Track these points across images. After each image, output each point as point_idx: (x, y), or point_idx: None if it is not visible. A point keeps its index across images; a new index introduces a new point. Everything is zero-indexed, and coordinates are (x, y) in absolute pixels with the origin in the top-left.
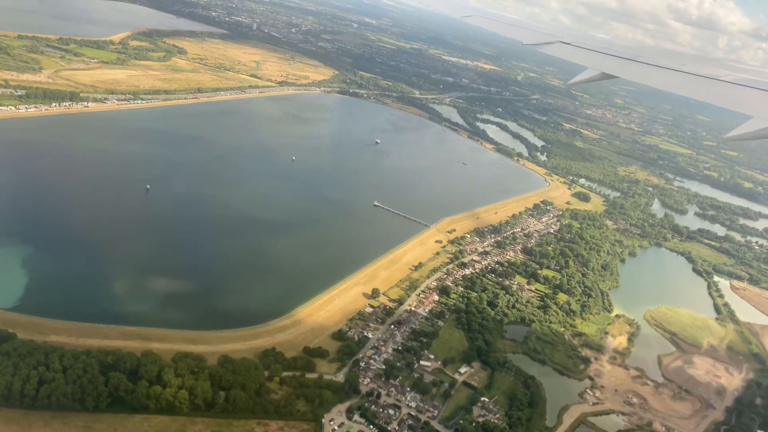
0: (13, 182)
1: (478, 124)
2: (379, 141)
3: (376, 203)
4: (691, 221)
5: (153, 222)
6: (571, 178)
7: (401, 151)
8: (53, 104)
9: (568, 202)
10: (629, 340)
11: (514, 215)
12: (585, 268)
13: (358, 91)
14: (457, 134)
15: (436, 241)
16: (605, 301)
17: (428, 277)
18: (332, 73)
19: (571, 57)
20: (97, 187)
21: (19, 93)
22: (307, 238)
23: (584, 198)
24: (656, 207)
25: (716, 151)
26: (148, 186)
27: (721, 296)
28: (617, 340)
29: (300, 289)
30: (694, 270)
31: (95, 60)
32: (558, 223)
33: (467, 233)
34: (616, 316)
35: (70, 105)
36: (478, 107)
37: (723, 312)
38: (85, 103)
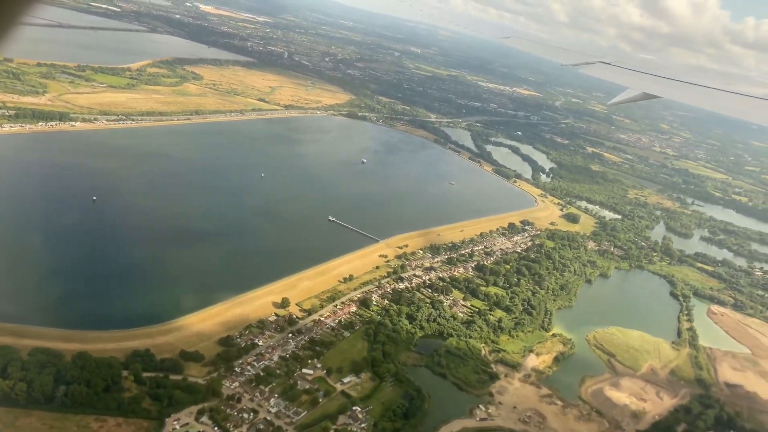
0: None
1: (489, 146)
2: (365, 161)
3: (331, 218)
4: (692, 245)
5: (87, 229)
6: (568, 199)
7: (386, 171)
8: (40, 123)
9: (552, 223)
10: (556, 359)
11: (482, 234)
12: (538, 287)
13: (367, 114)
14: (458, 156)
15: (380, 256)
16: (546, 320)
17: (356, 289)
18: (348, 98)
19: (611, 77)
20: (44, 198)
21: (9, 113)
22: (234, 249)
23: (573, 219)
24: (659, 230)
25: (756, 176)
26: (95, 197)
27: (690, 320)
28: (540, 359)
29: (204, 295)
30: (672, 293)
31: (104, 85)
32: (530, 243)
33: (420, 249)
34: (553, 335)
35: (55, 124)
36: (495, 130)
37: (684, 336)
38: (73, 122)
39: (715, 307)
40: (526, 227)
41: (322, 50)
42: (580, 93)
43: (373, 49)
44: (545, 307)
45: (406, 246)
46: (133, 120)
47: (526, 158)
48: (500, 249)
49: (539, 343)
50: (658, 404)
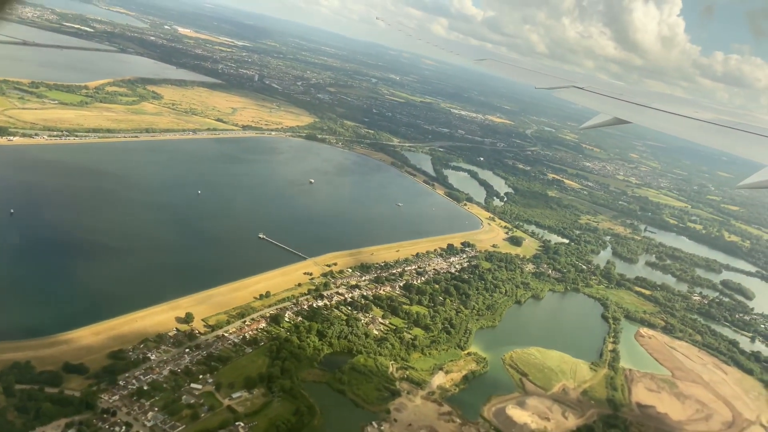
0: None
1: (447, 170)
2: (313, 181)
3: (261, 235)
4: (636, 270)
5: None
6: (517, 223)
7: (333, 191)
8: None
9: (494, 245)
10: (465, 378)
11: (418, 254)
12: (462, 307)
13: (327, 137)
14: (412, 178)
15: (305, 273)
16: (464, 338)
17: (270, 306)
18: (311, 121)
19: (583, 102)
20: None
21: None
22: (148, 264)
23: (516, 242)
24: (605, 255)
25: (716, 206)
26: (12, 210)
27: (616, 342)
28: (448, 377)
29: (102, 309)
30: (603, 316)
31: (55, 101)
32: (467, 264)
33: (350, 268)
34: (468, 354)
35: None
36: (457, 155)
37: (605, 357)
38: (10, 137)
39: (644, 330)
40: (466, 248)
41: (296, 74)
42: (555, 122)
43: (350, 75)
44: (466, 326)
45: (335, 264)
46: (76, 136)
47: (483, 183)
48: (434, 269)
49: (451, 361)
50: (561, 423)
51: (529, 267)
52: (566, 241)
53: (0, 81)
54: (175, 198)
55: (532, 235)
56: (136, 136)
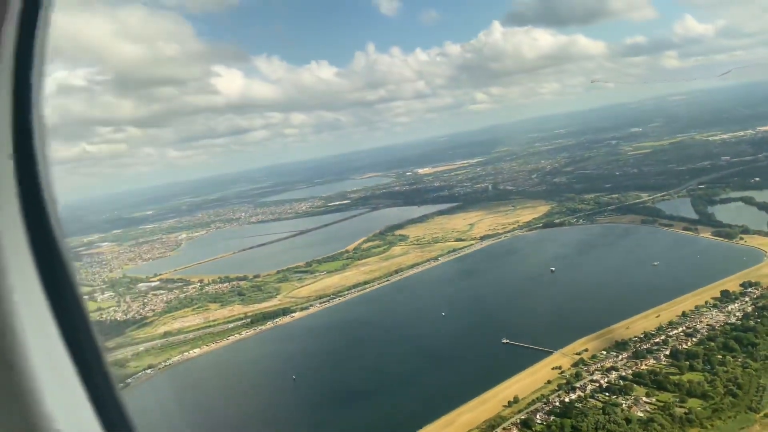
0: None
1: (713, 207)
2: (553, 269)
3: (504, 340)
4: None
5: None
6: None
7: (576, 273)
8: (268, 323)
9: None
10: None
11: (684, 313)
12: (751, 360)
13: (565, 219)
14: (668, 230)
15: (554, 368)
16: (755, 398)
17: (520, 411)
18: (547, 209)
19: None
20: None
21: (246, 321)
22: (392, 399)
23: None
24: None
25: None
26: (294, 377)
27: None
28: None
29: None
30: None
31: (324, 272)
32: (751, 308)
33: (603, 350)
34: (765, 416)
35: (278, 321)
36: (724, 186)
37: None
38: (292, 314)
39: None
40: (748, 290)
41: (530, 168)
42: None
43: (586, 147)
44: (757, 382)
45: (585, 350)
46: (340, 296)
47: (763, 206)
48: (706, 325)
49: (741, 429)
50: None
51: None
52: None
53: (284, 270)
54: (420, 326)
55: None
56: (388, 280)
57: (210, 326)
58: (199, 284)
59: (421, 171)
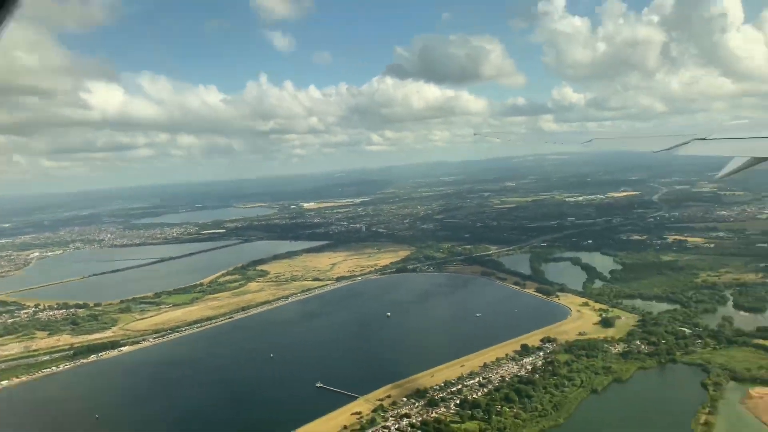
0: None
1: (547, 264)
2: (389, 314)
3: (318, 384)
4: (759, 321)
5: None
6: (615, 301)
7: (408, 321)
8: (91, 357)
9: (581, 333)
10: None
11: (485, 364)
12: (522, 411)
13: (418, 265)
14: (501, 283)
15: (353, 414)
16: None
17: None
18: (407, 254)
19: (711, 152)
20: None
21: (70, 353)
22: None
23: (608, 324)
24: (723, 311)
25: None
26: (97, 416)
27: (713, 412)
28: None
29: None
30: (702, 384)
31: (170, 305)
32: (541, 362)
33: (404, 397)
34: None
35: (103, 354)
36: (561, 245)
37: None
38: (121, 348)
39: (756, 390)
40: (546, 344)
41: (406, 213)
42: (692, 177)
43: (462, 196)
44: None
45: (388, 397)
46: (177, 332)
47: (585, 267)
48: (500, 377)
49: None
50: None
51: (618, 348)
52: (674, 306)
53: (129, 300)
54: (245, 368)
55: (633, 310)
56: (231, 317)
57: (28, 356)
58: (33, 309)
59: (306, 205)
